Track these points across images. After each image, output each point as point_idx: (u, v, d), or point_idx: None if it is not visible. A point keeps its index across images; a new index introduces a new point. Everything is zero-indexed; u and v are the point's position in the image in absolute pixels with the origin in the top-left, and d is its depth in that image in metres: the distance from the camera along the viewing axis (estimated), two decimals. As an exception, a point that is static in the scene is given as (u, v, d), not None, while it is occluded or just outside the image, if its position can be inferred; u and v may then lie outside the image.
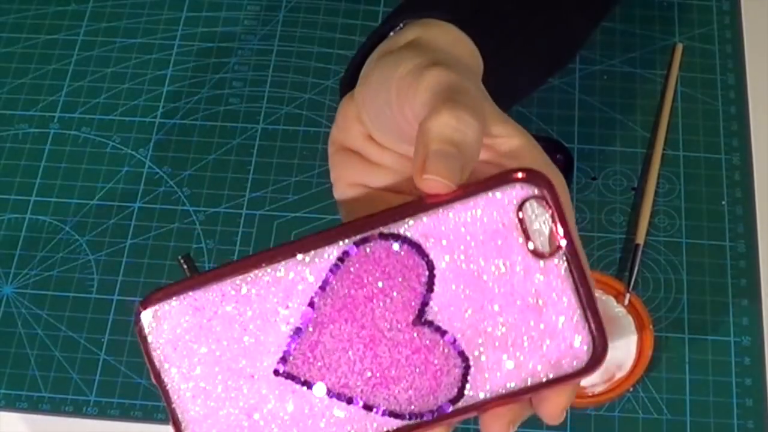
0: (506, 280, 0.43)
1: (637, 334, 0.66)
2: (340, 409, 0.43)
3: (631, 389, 0.65)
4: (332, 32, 0.80)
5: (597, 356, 0.43)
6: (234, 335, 0.43)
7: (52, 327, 0.68)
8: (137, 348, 0.67)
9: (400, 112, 0.45)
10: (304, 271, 0.43)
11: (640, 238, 0.69)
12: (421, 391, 0.43)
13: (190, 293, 0.43)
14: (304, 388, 0.43)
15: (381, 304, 0.43)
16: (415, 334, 0.43)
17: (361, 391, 0.43)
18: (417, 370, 0.43)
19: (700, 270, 0.69)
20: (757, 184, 0.72)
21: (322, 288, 0.43)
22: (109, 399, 0.66)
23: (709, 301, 0.68)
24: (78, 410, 0.65)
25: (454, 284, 0.43)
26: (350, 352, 0.43)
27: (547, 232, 0.42)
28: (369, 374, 0.43)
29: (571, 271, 0.42)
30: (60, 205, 0.73)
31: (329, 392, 0.43)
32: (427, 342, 0.43)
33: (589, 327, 0.42)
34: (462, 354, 0.43)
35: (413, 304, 0.43)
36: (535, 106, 0.76)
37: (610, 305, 0.67)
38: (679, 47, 0.77)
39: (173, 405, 0.43)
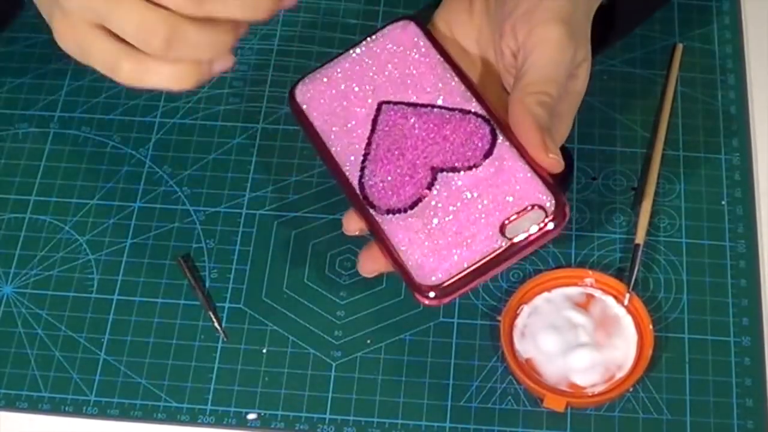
0: (474, 222, 0.58)
1: (637, 334, 0.66)
2: (348, 159, 0.62)
3: (631, 389, 0.65)
4: (332, 32, 0.80)
5: None
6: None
7: (52, 327, 0.68)
8: (137, 347, 0.68)
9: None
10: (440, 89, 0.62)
11: (640, 238, 0.69)
12: (382, 190, 0.60)
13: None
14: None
15: (439, 143, 0.61)
16: (422, 172, 0.60)
17: (364, 155, 0.62)
18: (397, 179, 0.60)
19: (700, 270, 0.69)
20: (757, 184, 0.72)
21: (424, 106, 0.62)
22: (109, 399, 0.66)
23: (709, 301, 0.68)
24: (78, 410, 0.65)
25: (470, 186, 0.59)
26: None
27: (522, 233, 0.56)
28: (381, 150, 0.61)
29: (482, 264, 0.56)
30: (60, 204, 0.73)
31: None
32: (420, 181, 0.60)
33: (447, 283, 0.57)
34: (414, 203, 0.59)
35: (444, 160, 0.60)
36: (535, 106, 0.76)
37: (610, 305, 0.67)
38: (679, 47, 0.77)
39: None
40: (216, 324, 0.68)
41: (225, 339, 0.67)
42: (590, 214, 0.71)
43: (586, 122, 0.75)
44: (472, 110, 0.61)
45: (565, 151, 0.72)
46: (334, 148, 0.63)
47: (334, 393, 0.65)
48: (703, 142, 0.74)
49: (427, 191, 0.59)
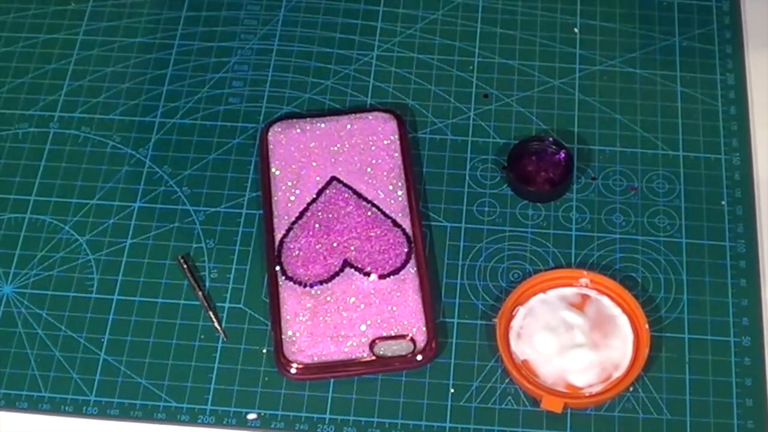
0: (353, 326, 0.65)
1: (633, 334, 0.66)
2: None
3: (630, 389, 0.65)
4: (332, 32, 0.80)
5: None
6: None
7: (52, 327, 0.68)
8: (137, 347, 0.68)
9: None
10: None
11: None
12: (296, 258, 0.68)
13: None
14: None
15: (361, 240, 0.68)
16: (336, 259, 0.67)
17: (296, 218, 0.69)
18: (312, 254, 0.67)
19: (700, 270, 0.69)
20: (757, 184, 0.72)
21: (367, 201, 0.69)
22: (109, 399, 0.66)
23: (709, 301, 0.68)
24: (78, 410, 0.65)
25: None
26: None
27: (388, 355, 0.64)
28: (312, 220, 0.69)
29: (344, 363, 0.64)
30: (60, 204, 0.73)
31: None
32: (330, 266, 0.67)
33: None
34: (316, 283, 0.67)
35: (358, 258, 0.67)
36: (535, 107, 0.76)
37: (605, 305, 0.67)
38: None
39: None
40: (216, 324, 0.68)
41: (225, 339, 0.68)
42: (590, 214, 0.71)
43: (586, 122, 0.75)
44: (403, 226, 0.68)
45: (565, 151, 0.72)
46: (276, 198, 0.69)
47: (333, 393, 0.65)
48: (703, 142, 0.74)
49: (331, 278, 0.66)
